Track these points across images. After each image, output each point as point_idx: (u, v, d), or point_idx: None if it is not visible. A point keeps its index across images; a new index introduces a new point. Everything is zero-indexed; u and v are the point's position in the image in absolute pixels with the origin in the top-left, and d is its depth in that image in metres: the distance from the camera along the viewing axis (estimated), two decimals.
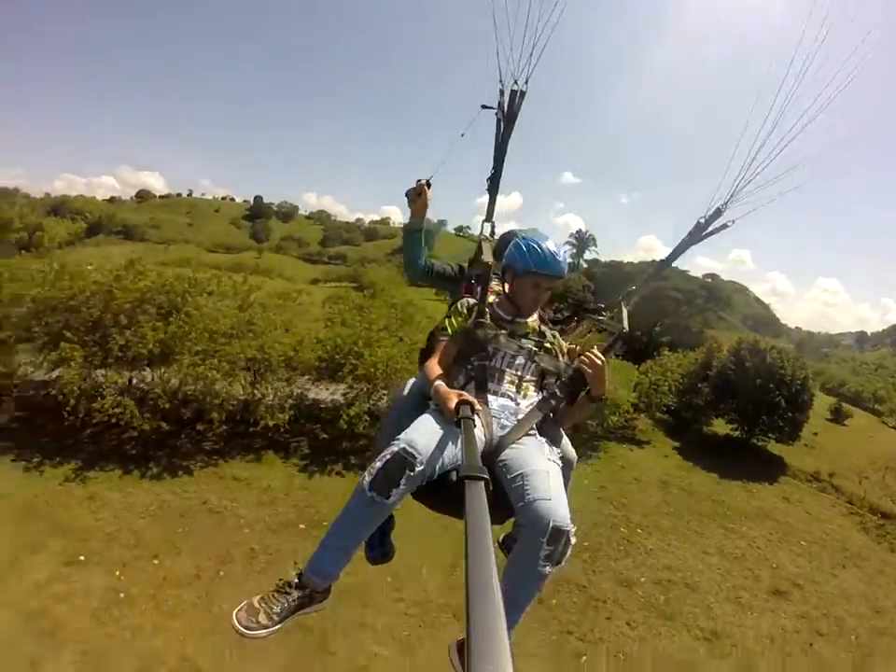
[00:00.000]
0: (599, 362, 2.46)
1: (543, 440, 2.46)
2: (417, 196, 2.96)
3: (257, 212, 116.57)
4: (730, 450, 24.93)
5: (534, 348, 2.67)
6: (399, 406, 2.84)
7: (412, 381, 2.97)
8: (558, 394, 2.56)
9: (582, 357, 2.54)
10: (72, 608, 9.28)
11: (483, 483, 1.38)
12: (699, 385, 26.80)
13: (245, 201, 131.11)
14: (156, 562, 10.78)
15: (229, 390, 15.26)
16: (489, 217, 2.84)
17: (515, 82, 2.50)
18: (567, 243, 73.76)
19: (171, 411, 14.46)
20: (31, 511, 11.55)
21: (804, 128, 2.28)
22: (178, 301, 15.33)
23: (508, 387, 2.58)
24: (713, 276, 70.51)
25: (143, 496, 12.89)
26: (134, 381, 15.03)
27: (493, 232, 2.87)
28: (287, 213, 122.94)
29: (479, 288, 2.76)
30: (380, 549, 3.07)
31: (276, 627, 1.98)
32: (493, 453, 2.36)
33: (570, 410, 2.67)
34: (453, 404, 2.17)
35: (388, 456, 2.03)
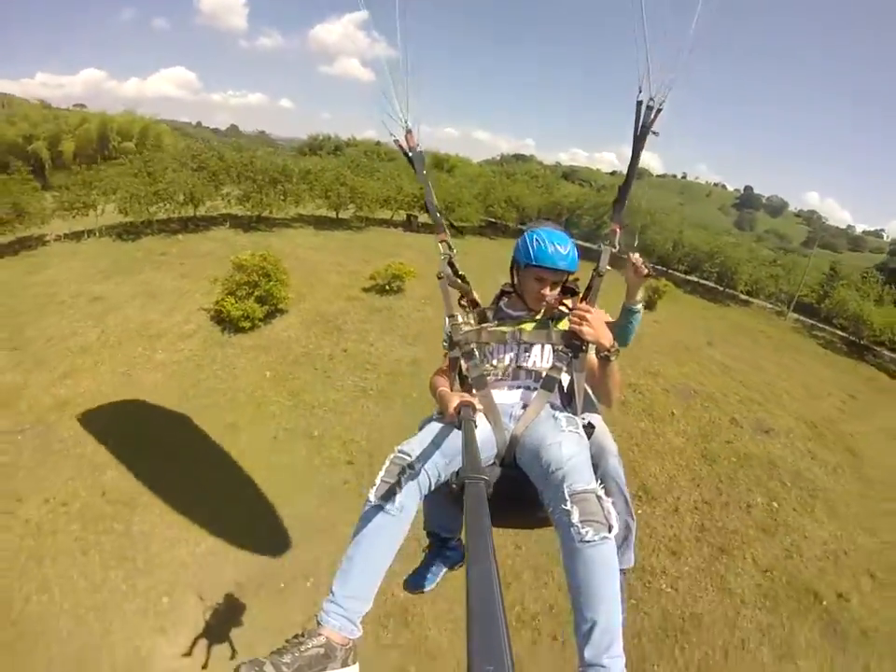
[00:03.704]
0: (585, 314, 2.41)
1: (558, 413, 2.36)
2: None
3: (746, 201, 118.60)
4: None
5: (517, 329, 2.64)
6: None
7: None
8: (557, 364, 2.49)
9: (569, 318, 2.51)
10: None
11: (482, 483, 1.39)
12: None
13: (735, 189, 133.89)
14: None
15: None
16: (439, 230, 2.93)
17: (405, 121, 2.88)
18: None
19: None
20: None
21: None
22: None
23: (524, 378, 2.56)
24: None
25: None
26: None
27: (451, 248, 2.92)
28: (777, 208, 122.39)
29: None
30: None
31: None
32: (509, 449, 2.36)
33: (593, 376, 2.62)
34: (452, 407, 2.17)
35: (386, 464, 2.09)
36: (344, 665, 1.81)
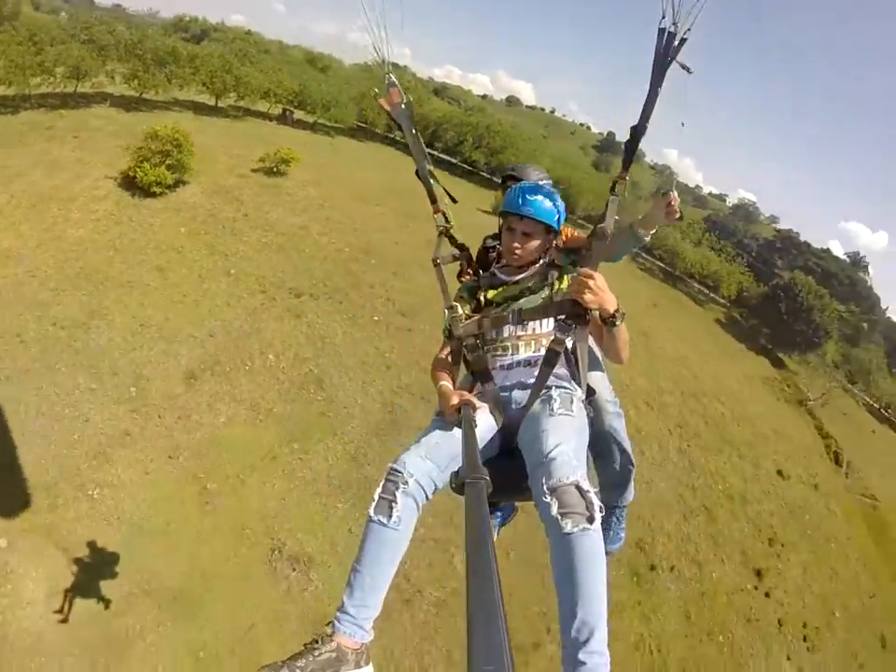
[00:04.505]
0: (588, 281, 2.15)
1: (554, 392, 2.24)
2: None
3: (606, 145, 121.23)
4: None
5: (516, 309, 2.49)
6: None
7: None
8: (558, 336, 2.30)
9: (570, 284, 2.31)
10: None
11: (482, 483, 1.36)
12: None
13: (599, 132, 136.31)
14: None
15: None
16: (433, 199, 2.77)
17: (387, 74, 2.71)
18: None
19: None
20: None
21: None
22: None
23: (523, 352, 2.47)
24: None
25: None
26: None
27: (448, 220, 2.79)
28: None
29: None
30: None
31: None
32: (510, 436, 2.31)
33: (599, 336, 2.42)
34: (451, 405, 2.18)
35: (383, 480, 2.06)
36: (357, 666, 1.86)
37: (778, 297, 40.34)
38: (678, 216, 2.73)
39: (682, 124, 2.68)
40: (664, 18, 2.18)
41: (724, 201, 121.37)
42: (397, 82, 2.75)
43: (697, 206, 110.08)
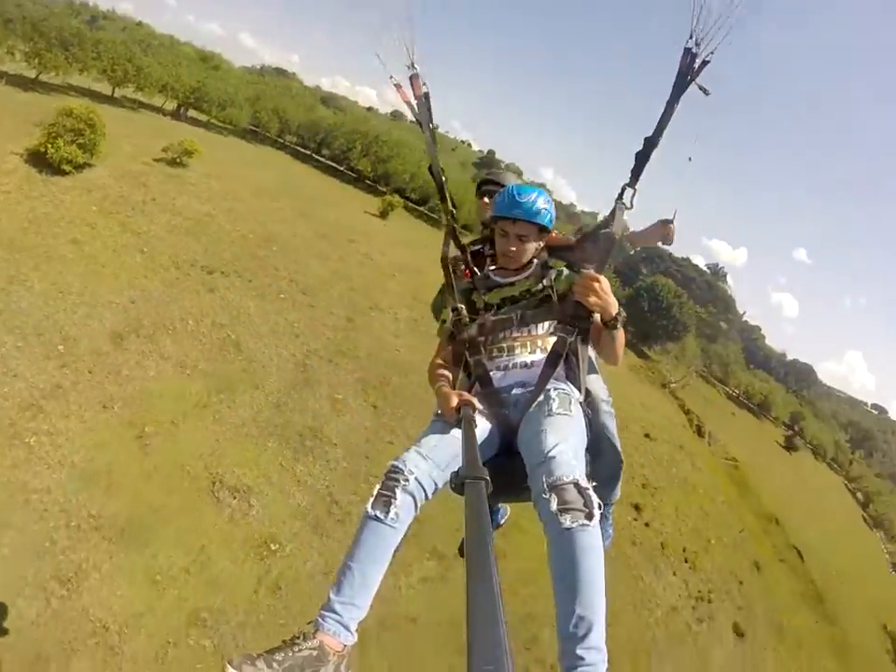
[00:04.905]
0: (594, 284, 2.19)
1: (552, 392, 2.27)
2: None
3: (485, 162, 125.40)
4: None
5: (519, 312, 2.52)
6: None
7: None
8: (561, 338, 2.38)
9: (574, 286, 2.30)
10: None
11: (481, 483, 1.37)
12: None
13: (480, 150, 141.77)
14: None
15: None
16: (443, 197, 2.79)
17: (412, 61, 2.69)
18: None
19: None
20: None
21: None
22: None
23: (520, 353, 2.49)
24: None
25: None
26: None
27: (454, 217, 2.87)
28: (513, 173, 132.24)
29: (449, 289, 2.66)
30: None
31: None
32: (510, 437, 2.33)
33: (597, 340, 2.44)
34: (451, 406, 2.19)
35: (383, 478, 2.05)
36: (337, 671, 1.78)
37: (641, 296, 47.18)
38: (672, 242, 3.06)
39: (689, 159, 2.89)
40: (691, 38, 2.21)
41: (596, 218, 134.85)
42: (419, 71, 2.71)
43: (570, 223, 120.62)
